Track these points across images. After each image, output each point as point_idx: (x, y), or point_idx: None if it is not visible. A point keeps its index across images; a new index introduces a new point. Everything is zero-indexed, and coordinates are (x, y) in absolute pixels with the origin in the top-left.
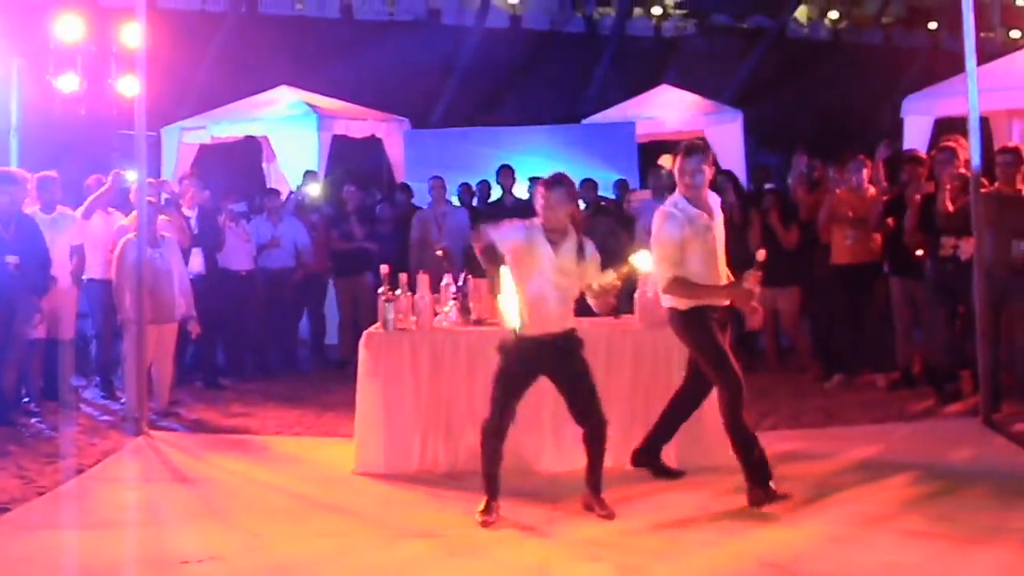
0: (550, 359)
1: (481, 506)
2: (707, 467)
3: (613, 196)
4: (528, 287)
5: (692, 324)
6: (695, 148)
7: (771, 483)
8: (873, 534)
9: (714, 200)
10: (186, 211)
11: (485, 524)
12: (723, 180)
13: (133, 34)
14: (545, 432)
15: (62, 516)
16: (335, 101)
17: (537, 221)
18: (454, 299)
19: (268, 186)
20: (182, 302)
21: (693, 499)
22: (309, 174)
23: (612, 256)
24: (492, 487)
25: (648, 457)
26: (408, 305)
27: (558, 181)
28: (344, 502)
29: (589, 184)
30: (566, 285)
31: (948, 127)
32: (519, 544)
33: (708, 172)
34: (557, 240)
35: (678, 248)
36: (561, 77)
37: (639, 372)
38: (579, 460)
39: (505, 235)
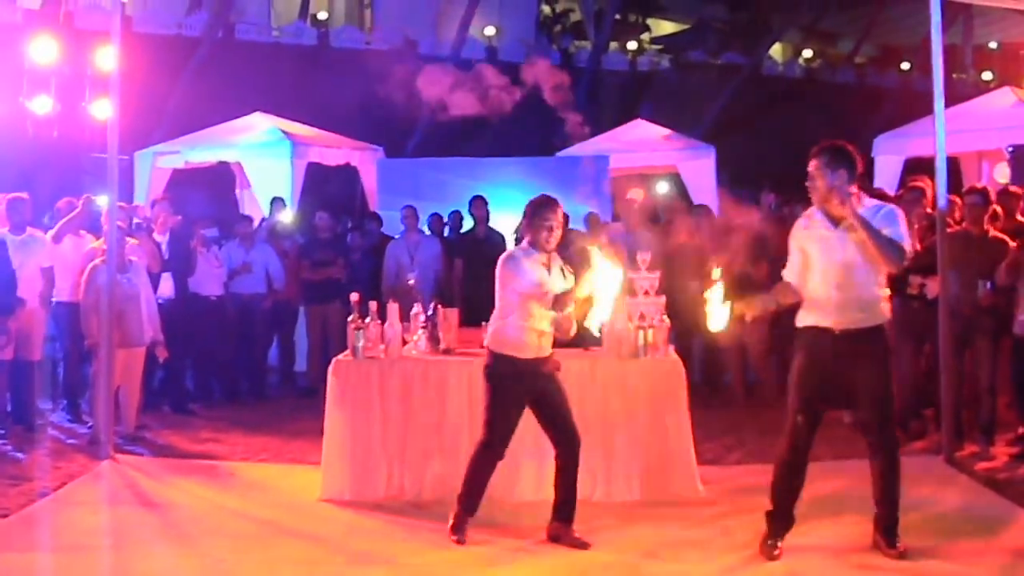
0: (538, 382)
1: (451, 523)
2: (673, 500)
3: (584, 229)
4: (529, 311)
5: None
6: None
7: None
8: (834, 569)
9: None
10: (157, 236)
11: (459, 543)
12: (698, 214)
13: (108, 57)
14: (510, 461)
15: (26, 539)
16: (310, 128)
17: (526, 245)
18: (423, 328)
19: (241, 212)
20: (149, 327)
21: (659, 532)
22: (276, 201)
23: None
24: (470, 506)
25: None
26: (378, 333)
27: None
28: (309, 529)
29: None
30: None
31: (918, 167)
32: (483, 573)
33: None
34: (548, 264)
35: None
36: (536, 109)
37: (607, 404)
38: (545, 490)
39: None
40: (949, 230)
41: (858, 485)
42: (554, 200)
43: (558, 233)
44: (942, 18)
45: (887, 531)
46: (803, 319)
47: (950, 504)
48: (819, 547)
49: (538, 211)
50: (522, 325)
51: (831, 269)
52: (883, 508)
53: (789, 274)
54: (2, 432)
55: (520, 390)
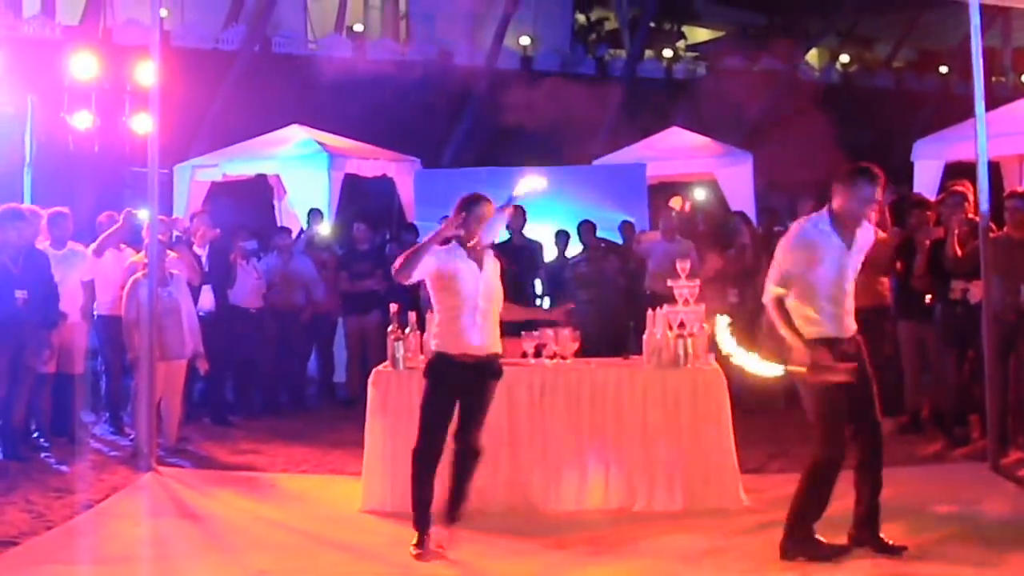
0: (470, 382)
1: (415, 540)
2: (716, 510)
3: (619, 237)
4: (452, 308)
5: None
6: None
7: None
8: None
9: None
10: (197, 249)
11: (420, 557)
12: (737, 222)
13: (147, 72)
14: (551, 472)
15: (70, 551)
16: (346, 140)
17: (454, 242)
18: None
19: (279, 224)
20: (190, 339)
21: (701, 541)
22: (314, 212)
23: (618, 295)
24: (425, 519)
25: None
26: (417, 344)
27: (478, 199)
28: (351, 540)
29: (587, 226)
30: (490, 306)
31: (958, 171)
32: None
33: None
34: (479, 259)
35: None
36: (571, 118)
37: (647, 414)
38: (586, 500)
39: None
40: (991, 235)
41: (901, 493)
42: (483, 196)
43: (485, 227)
44: (981, 21)
45: (877, 531)
46: (806, 330)
47: (994, 511)
48: (863, 554)
49: (466, 207)
50: (453, 321)
51: (836, 284)
52: (873, 509)
53: (781, 289)
54: (46, 445)
55: (449, 388)
